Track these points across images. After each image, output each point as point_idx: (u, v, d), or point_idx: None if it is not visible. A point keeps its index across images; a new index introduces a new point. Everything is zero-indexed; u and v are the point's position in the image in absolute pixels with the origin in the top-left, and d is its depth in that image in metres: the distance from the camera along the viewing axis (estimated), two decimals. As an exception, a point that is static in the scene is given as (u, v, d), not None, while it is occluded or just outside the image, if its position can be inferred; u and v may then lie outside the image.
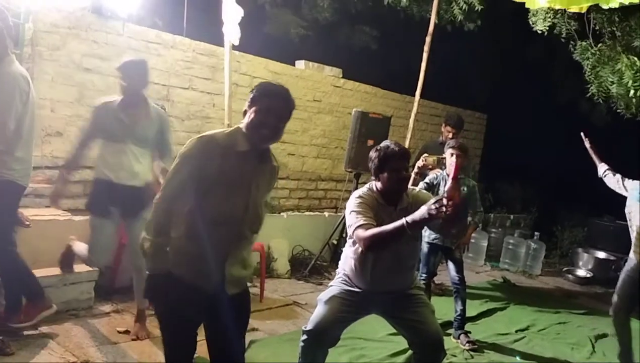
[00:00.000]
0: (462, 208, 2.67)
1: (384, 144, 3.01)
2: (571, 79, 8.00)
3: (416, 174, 4.59)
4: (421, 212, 2.52)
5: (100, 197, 3.66)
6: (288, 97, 2.36)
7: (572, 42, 5.42)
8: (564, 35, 5.29)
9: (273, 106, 2.29)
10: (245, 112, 2.32)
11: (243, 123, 2.32)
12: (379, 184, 2.98)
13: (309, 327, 2.94)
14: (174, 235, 2.26)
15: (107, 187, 3.64)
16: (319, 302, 3.05)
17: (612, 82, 4.22)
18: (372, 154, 3.01)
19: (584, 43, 5.33)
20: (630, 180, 4.36)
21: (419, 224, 2.57)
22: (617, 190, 4.45)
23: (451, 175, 2.57)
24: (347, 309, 2.97)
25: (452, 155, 4.58)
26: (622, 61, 4.04)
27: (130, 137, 3.62)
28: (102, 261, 3.87)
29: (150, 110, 3.71)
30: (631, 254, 4.26)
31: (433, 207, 2.43)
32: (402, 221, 2.58)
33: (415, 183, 4.45)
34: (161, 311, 2.37)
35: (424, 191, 3.27)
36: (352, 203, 2.90)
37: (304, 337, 2.96)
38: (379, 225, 2.77)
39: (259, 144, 2.31)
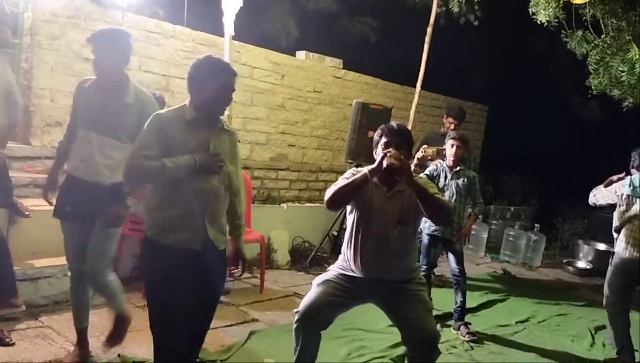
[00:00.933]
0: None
1: (387, 124, 3.01)
2: (571, 72, 7.98)
3: (416, 165, 4.57)
4: (378, 159, 2.71)
5: (62, 195, 3.19)
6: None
7: (563, 32, 5.39)
8: (555, 24, 5.26)
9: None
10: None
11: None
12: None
13: (300, 308, 2.96)
14: (155, 205, 2.57)
15: (69, 183, 3.17)
16: (313, 284, 3.05)
17: (623, 72, 4.19)
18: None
19: (579, 33, 5.30)
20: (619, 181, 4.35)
21: (376, 171, 2.74)
22: (614, 200, 4.39)
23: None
24: (340, 294, 2.96)
25: (452, 146, 4.58)
26: (634, 50, 4.02)
27: (99, 125, 3.02)
28: (74, 266, 3.24)
29: (128, 93, 3.06)
30: (620, 247, 4.21)
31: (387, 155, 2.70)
32: (365, 170, 2.74)
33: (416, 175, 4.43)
34: (154, 281, 2.61)
35: (424, 178, 3.23)
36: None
37: (295, 317, 2.98)
38: (366, 204, 2.85)
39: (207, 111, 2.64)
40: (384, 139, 2.92)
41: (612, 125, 8.20)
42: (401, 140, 2.91)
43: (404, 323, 2.98)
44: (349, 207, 3.02)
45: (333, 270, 3.06)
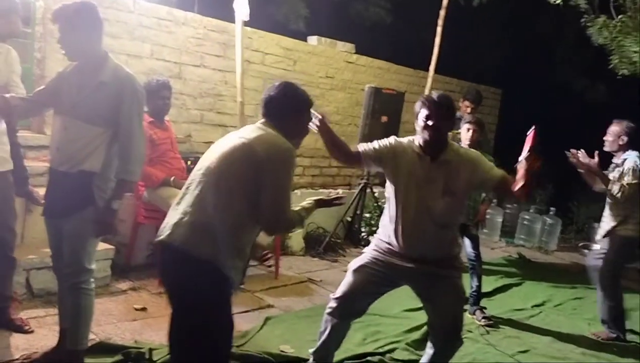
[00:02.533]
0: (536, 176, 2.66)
1: (428, 94, 2.97)
2: (581, 54, 7.89)
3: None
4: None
5: (46, 191, 2.98)
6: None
7: (585, 16, 5.27)
8: (582, 8, 5.16)
9: None
10: None
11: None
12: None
13: (337, 294, 2.97)
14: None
15: (49, 177, 2.95)
16: (349, 269, 3.02)
17: (636, 52, 4.12)
18: None
19: (601, 18, 5.18)
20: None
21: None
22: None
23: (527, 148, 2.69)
24: (376, 280, 2.93)
25: (468, 130, 4.54)
26: None
27: (74, 109, 2.74)
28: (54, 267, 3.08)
29: (104, 71, 2.76)
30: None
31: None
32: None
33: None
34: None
35: (474, 151, 3.11)
36: None
37: (330, 303, 2.98)
38: (407, 173, 2.83)
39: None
40: (424, 111, 2.84)
41: (627, 107, 8.09)
42: (442, 113, 2.83)
43: (430, 308, 2.98)
44: (389, 178, 2.96)
45: (369, 253, 3.00)
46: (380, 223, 3.05)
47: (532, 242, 7.72)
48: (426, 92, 6.46)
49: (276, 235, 2.40)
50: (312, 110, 2.63)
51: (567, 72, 9.94)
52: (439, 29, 6.54)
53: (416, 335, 3.96)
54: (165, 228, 2.32)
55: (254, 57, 6.10)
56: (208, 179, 2.29)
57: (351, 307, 2.97)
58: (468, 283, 4.67)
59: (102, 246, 4.10)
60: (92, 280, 2.92)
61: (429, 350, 3.07)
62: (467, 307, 4.66)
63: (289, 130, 2.44)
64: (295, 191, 6.32)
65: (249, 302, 4.31)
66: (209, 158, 2.36)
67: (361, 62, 7.39)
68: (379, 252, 2.96)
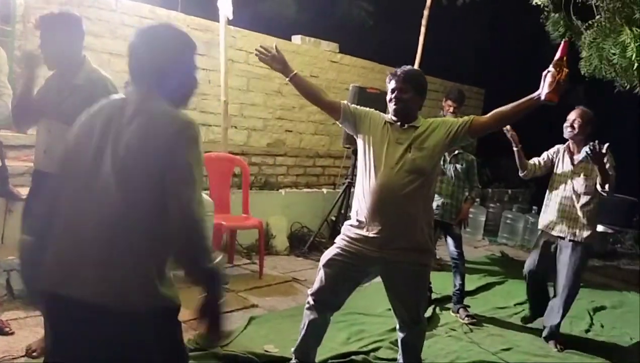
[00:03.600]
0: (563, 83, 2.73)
1: (398, 68, 3.01)
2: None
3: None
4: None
5: (29, 194, 3.08)
6: None
7: (545, 13, 5.34)
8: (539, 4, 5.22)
9: None
10: None
11: None
12: None
13: (312, 290, 3.03)
14: None
15: (34, 179, 3.07)
16: (320, 265, 3.04)
17: (614, 54, 4.15)
18: None
19: (556, 15, 5.24)
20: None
21: None
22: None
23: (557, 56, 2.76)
24: (347, 272, 2.95)
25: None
26: (625, 33, 3.97)
27: (56, 112, 2.83)
28: None
29: (79, 75, 2.89)
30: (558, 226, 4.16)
31: None
32: None
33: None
34: None
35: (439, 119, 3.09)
36: None
37: (308, 299, 3.05)
38: (378, 137, 2.88)
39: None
40: (391, 85, 2.95)
41: (605, 108, 8.19)
42: (407, 86, 2.90)
43: (394, 297, 3.01)
44: (361, 140, 2.98)
45: (338, 244, 3.00)
46: (353, 200, 3.04)
47: (514, 240, 7.79)
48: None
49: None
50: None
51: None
52: (422, 29, 6.57)
53: (400, 333, 3.97)
54: None
55: (237, 56, 6.08)
56: None
57: (327, 301, 3.01)
58: (451, 281, 4.71)
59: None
60: None
61: (399, 334, 3.12)
62: (450, 305, 4.70)
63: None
64: (280, 190, 6.32)
65: (233, 302, 4.29)
66: None
67: (345, 62, 7.40)
68: (347, 241, 2.94)
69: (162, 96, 1.76)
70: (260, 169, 6.59)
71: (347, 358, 3.54)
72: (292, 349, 3.18)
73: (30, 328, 3.40)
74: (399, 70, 2.96)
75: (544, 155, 4.36)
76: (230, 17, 4.93)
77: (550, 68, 2.73)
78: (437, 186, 4.59)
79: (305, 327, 3.08)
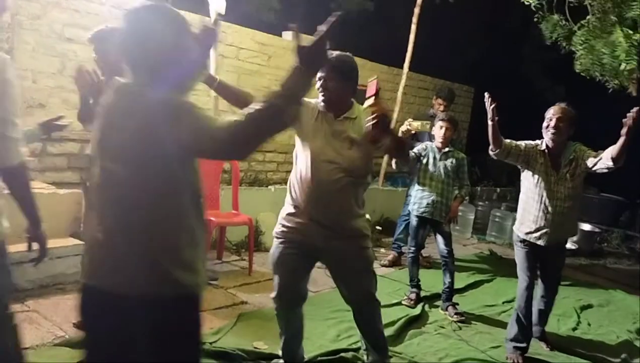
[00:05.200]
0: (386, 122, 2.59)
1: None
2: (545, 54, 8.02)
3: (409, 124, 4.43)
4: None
5: None
6: None
7: (540, 14, 5.36)
8: (538, 5, 5.24)
9: None
10: None
11: None
12: None
13: (274, 294, 3.02)
14: None
15: None
16: (271, 267, 3.03)
17: (605, 54, 4.17)
18: None
19: (554, 17, 5.26)
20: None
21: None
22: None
23: (370, 94, 2.62)
24: (297, 263, 2.93)
25: (441, 127, 4.58)
26: (617, 33, 3.99)
27: None
28: None
29: None
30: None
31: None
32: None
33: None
34: None
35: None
36: None
37: (273, 304, 3.07)
38: (312, 128, 2.80)
39: None
40: (320, 73, 2.76)
41: (595, 106, 8.25)
42: (335, 74, 2.77)
43: (343, 286, 3.01)
44: (297, 132, 2.92)
45: (278, 236, 2.96)
46: (289, 189, 2.97)
47: (503, 238, 7.82)
48: (400, 89, 6.48)
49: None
50: None
51: (531, 72, 10.11)
52: (413, 27, 6.57)
53: (390, 330, 3.97)
54: None
55: (228, 51, 6.05)
56: None
57: (291, 298, 3.02)
58: (440, 279, 4.72)
59: (72, 241, 4.03)
60: None
61: (355, 317, 3.11)
62: (439, 303, 4.70)
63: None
64: (269, 187, 6.30)
65: (222, 299, 4.27)
66: None
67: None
68: (286, 231, 2.92)
69: (158, 85, 1.69)
70: (249, 165, 6.57)
71: (337, 356, 3.53)
72: (279, 350, 3.18)
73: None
74: (331, 58, 2.77)
75: (523, 144, 3.83)
76: (223, 13, 4.90)
77: (366, 105, 2.64)
78: (427, 184, 4.62)
79: (283, 329, 3.10)
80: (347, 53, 2.88)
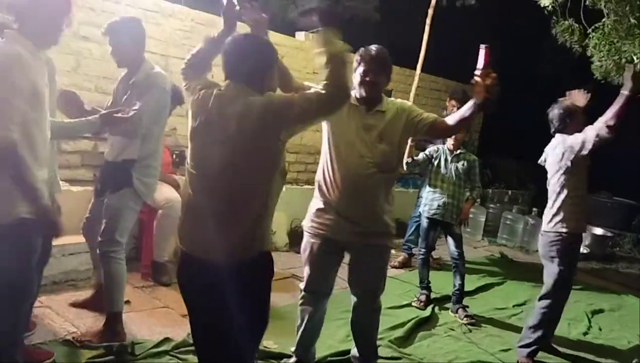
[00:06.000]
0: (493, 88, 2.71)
1: (366, 48, 2.93)
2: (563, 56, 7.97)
3: (413, 140, 4.44)
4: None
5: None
6: None
7: (554, 18, 5.34)
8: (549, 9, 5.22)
9: None
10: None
11: None
12: None
13: (304, 285, 3.08)
14: None
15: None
16: (302, 259, 3.07)
17: (636, 54, 4.15)
18: None
19: (566, 22, 5.24)
20: None
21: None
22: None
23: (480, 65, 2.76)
24: (326, 254, 2.97)
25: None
26: (636, 35, 3.97)
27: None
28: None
29: (139, 74, 3.34)
30: None
31: None
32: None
33: (410, 154, 4.40)
34: None
35: (407, 102, 3.09)
36: None
37: (302, 295, 3.10)
38: (342, 122, 2.82)
39: None
40: (361, 67, 2.85)
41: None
42: (379, 68, 2.86)
43: (355, 276, 3.04)
44: (325, 127, 2.96)
45: (308, 230, 3.01)
46: (317, 185, 3.00)
47: (514, 241, 7.79)
48: (413, 90, 6.46)
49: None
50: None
51: (551, 73, 10.02)
52: (426, 28, 6.54)
53: (399, 332, 3.98)
54: None
55: (241, 51, 6.06)
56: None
57: (320, 289, 3.05)
58: (450, 281, 4.71)
59: (84, 239, 4.05)
60: (122, 251, 3.32)
61: (352, 315, 3.16)
62: (449, 305, 4.69)
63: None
64: (280, 187, 6.30)
65: (232, 297, 4.28)
66: None
67: (349, 59, 7.36)
68: (315, 226, 2.96)
69: (252, 88, 2.09)
70: (260, 165, 6.57)
71: (346, 356, 3.53)
72: (292, 349, 3.19)
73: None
74: (371, 51, 2.87)
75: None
76: (237, 9, 4.90)
77: (476, 77, 2.73)
78: (438, 185, 4.61)
79: (304, 323, 3.10)
80: (384, 48, 2.94)
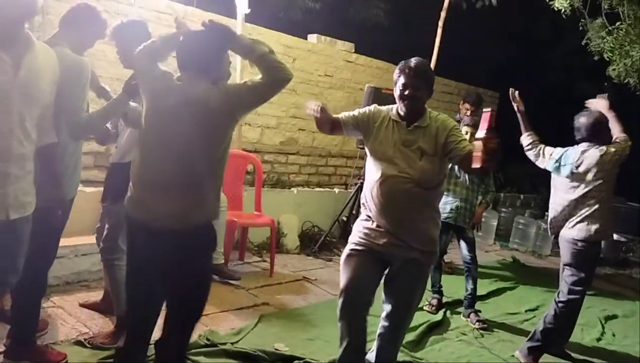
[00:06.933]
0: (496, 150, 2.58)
1: (408, 60, 2.85)
2: (580, 59, 7.93)
3: None
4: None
5: None
6: None
7: (582, 20, 5.31)
8: (569, 12, 5.19)
9: None
10: None
11: None
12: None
13: (340, 290, 2.88)
14: None
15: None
16: (341, 265, 2.94)
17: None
18: None
19: (598, 21, 5.21)
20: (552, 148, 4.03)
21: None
22: (541, 165, 4.06)
23: (483, 127, 2.58)
24: (367, 263, 2.85)
25: (467, 133, 4.54)
26: None
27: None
28: None
29: None
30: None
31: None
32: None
33: None
34: None
35: (453, 120, 2.96)
36: None
37: (339, 303, 2.88)
38: (384, 138, 2.80)
39: None
40: (402, 80, 2.79)
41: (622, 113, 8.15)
42: (420, 82, 2.79)
43: (394, 292, 2.93)
44: (367, 144, 2.90)
45: (352, 239, 2.93)
46: (362, 201, 2.95)
47: (526, 246, 7.74)
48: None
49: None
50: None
51: (565, 77, 9.97)
52: (439, 31, 6.53)
53: (411, 336, 3.95)
54: None
55: (253, 53, 6.07)
56: None
57: (358, 298, 2.86)
58: (462, 285, 4.68)
59: (91, 239, 4.06)
60: (125, 257, 3.11)
61: (383, 322, 3.02)
62: (461, 309, 4.66)
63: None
64: (292, 189, 6.31)
65: (243, 300, 4.29)
66: None
67: (360, 62, 7.37)
68: (359, 236, 2.88)
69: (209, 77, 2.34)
70: (272, 167, 6.59)
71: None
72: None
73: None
74: (411, 64, 2.80)
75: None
76: (247, 11, 4.92)
77: (477, 141, 2.56)
78: (451, 189, 4.59)
79: (345, 338, 2.87)
80: (425, 60, 2.89)
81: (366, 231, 2.87)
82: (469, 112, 5.44)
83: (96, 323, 3.49)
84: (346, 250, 2.94)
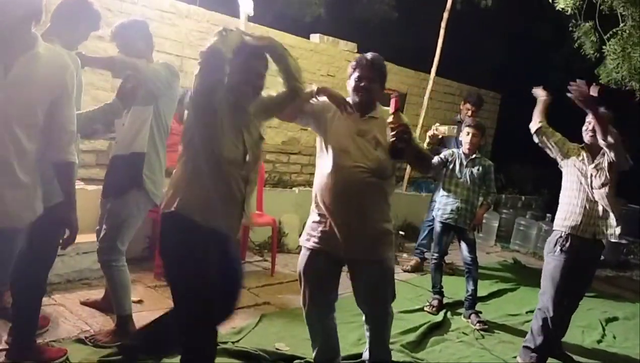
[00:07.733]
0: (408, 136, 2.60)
1: (361, 55, 2.90)
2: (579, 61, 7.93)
3: (428, 144, 4.42)
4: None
5: None
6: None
7: (573, 21, 5.31)
8: (571, 12, 5.20)
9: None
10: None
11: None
12: None
13: (303, 301, 2.99)
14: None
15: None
16: (299, 276, 2.99)
17: None
18: None
19: (587, 24, 5.21)
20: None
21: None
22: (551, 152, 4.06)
23: (392, 110, 2.64)
24: (323, 271, 2.90)
25: (468, 134, 4.55)
26: None
27: None
28: None
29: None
30: None
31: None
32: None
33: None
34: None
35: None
36: None
37: (305, 311, 3.02)
38: (336, 127, 2.81)
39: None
40: (356, 73, 2.83)
41: (621, 115, 8.14)
42: (373, 75, 2.83)
43: (359, 289, 2.95)
44: (319, 132, 2.91)
45: (305, 244, 2.93)
46: (313, 198, 2.92)
47: (527, 247, 7.74)
48: (427, 93, 6.45)
49: None
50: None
51: (566, 77, 9.96)
52: (441, 31, 6.54)
53: (411, 336, 3.96)
54: None
55: (256, 53, 6.07)
56: None
57: (323, 305, 3.00)
58: (463, 286, 4.68)
59: (92, 237, 4.07)
60: (123, 257, 3.26)
61: (366, 326, 3.08)
62: (462, 310, 4.67)
63: None
64: (293, 189, 6.31)
65: (244, 299, 4.26)
66: None
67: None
68: (311, 242, 2.89)
69: None
70: (274, 167, 6.59)
71: (358, 360, 3.52)
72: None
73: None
74: (367, 57, 2.84)
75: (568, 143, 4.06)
76: (252, 14, 4.91)
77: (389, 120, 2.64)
78: (452, 190, 4.59)
79: (316, 340, 3.05)
80: (378, 54, 2.91)
81: (320, 235, 2.85)
82: (470, 113, 5.45)
83: (97, 322, 3.50)
84: (303, 254, 2.94)
